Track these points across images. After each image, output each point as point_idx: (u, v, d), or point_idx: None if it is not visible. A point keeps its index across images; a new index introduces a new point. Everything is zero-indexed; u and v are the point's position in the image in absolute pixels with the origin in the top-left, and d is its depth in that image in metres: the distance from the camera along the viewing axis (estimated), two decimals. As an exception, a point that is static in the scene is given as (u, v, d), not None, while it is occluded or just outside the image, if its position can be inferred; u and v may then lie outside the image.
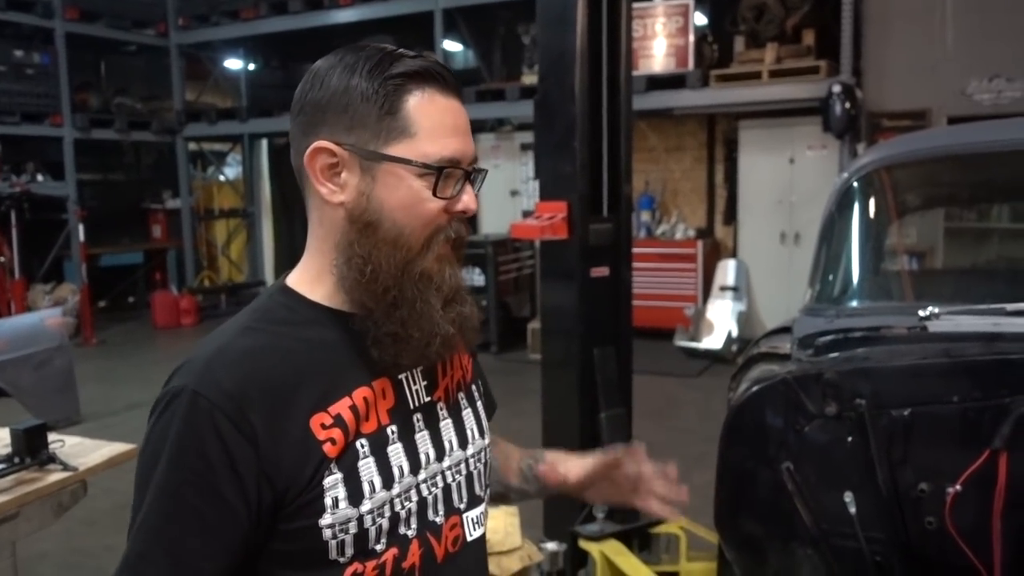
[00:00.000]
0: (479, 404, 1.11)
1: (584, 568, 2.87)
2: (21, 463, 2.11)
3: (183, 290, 10.16)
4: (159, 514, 0.86)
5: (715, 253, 8.28)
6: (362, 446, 0.92)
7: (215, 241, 11.52)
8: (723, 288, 7.72)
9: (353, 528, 0.90)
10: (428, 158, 0.91)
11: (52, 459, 2.16)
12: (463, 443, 1.04)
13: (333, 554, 0.90)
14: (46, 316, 5.77)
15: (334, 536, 0.89)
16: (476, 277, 7.84)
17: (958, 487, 1.54)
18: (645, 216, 8.39)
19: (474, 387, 1.12)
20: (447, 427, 1.03)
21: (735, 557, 1.91)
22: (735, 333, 7.22)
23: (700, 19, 7.77)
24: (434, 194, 0.91)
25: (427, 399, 1.01)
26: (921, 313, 1.83)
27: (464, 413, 1.07)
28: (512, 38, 8.86)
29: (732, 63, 7.31)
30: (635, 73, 7.03)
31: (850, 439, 1.65)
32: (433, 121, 0.92)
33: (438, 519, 0.99)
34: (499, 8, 8.40)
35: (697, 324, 7.43)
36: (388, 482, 0.93)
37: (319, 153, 0.92)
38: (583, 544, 2.83)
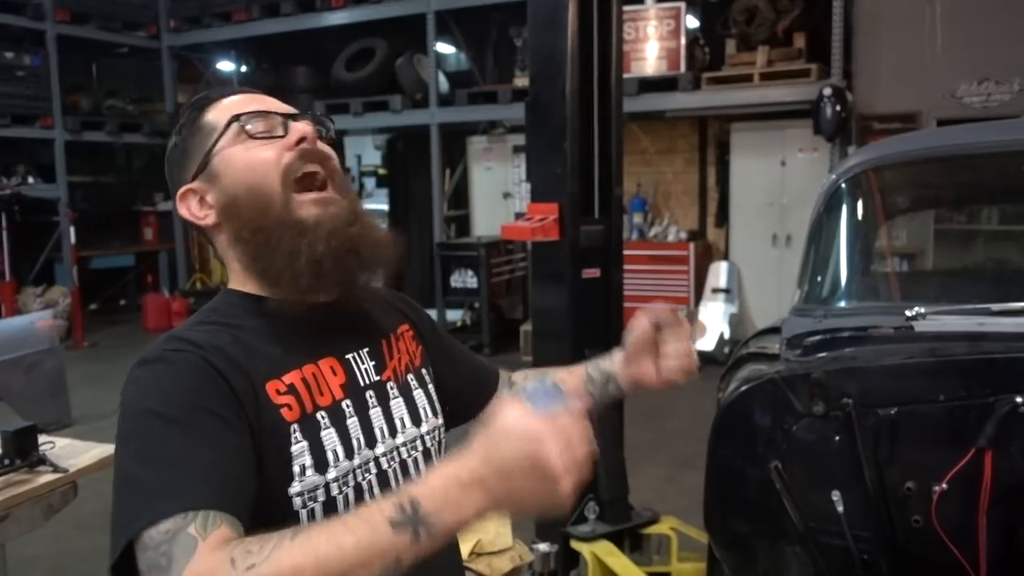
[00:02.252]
0: (430, 387, 1.14)
1: (576, 569, 2.88)
2: (11, 465, 2.10)
3: (175, 292, 10.12)
4: (160, 442, 0.83)
5: (707, 255, 8.30)
6: (323, 417, 0.95)
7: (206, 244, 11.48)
8: (715, 290, 7.74)
9: (321, 496, 0.92)
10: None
11: (42, 461, 2.16)
12: (416, 421, 1.08)
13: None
14: (36, 319, 5.75)
15: (304, 504, 0.91)
16: (468, 279, 7.85)
17: (944, 485, 1.56)
18: (637, 218, 8.40)
19: (424, 371, 1.15)
20: (398, 405, 1.06)
21: (724, 556, 1.92)
22: (727, 335, 7.24)
23: (692, 22, 7.80)
24: (251, 137, 0.99)
25: (376, 378, 1.05)
26: (908, 313, 1.85)
27: (415, 393, 1.10)
28: (505, 41, 8.88)
29: (723, 66, 7.34)
30: (627, 75, 7.06)
31: (837, 438, 1.66)
32: (228, 110, 1.02)
33: None
34: (492, 10, 8.41)
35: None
36: (350, 453, 0.96)
37: (185, 197, 1.03)
38: (575, 545, 2.84)
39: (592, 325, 3.01)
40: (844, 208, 2.28)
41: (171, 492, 0.78)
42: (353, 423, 0.98)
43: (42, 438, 2.21)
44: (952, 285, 2.90)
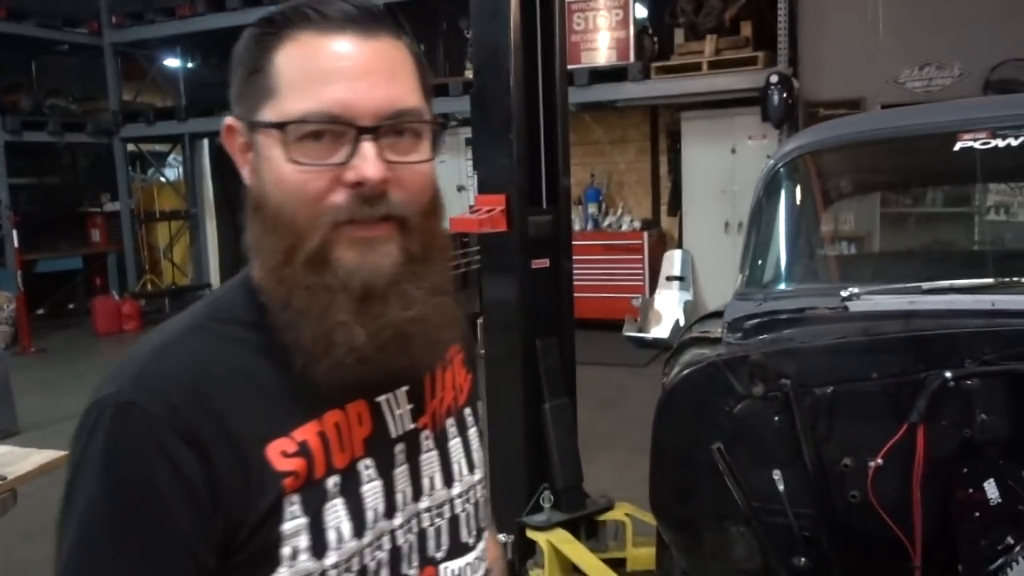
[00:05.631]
0: (471, 432, 0.94)
1: (532, 558, 2.90)
2: (-54, 475, 2.05)
3: (125, 295, 9.94)
4: (96, 559, 0.68)
5: (661, 244, 8.38)
6: (335, 484, 0.76)
7: (157, 244, 11.28)
8: (669, 278, 7.83)
9: None
10: (286, 116, 0.73)
11: (-21, 469, 2.11)
12: (448, 480, 0.88)
13: None
14: (-21, 325, 5.60)
15: None
16: (425, 273, 7.82)
17: (879, 460, 1.59)
18: (592, 208, 8.45)
19: (467, 411, 0.94)
20: (430, 460, 0.86)
21: (672, 539, 1.94)
22: (683, 322, 7.32)
23: (640, 11, 7.85)
24: (289, 159, 0.73)
25: (411, 426, 0.84)
26: (843, 294, 1.89)
27: (451, 444, 0.90)
28: (454, 32, 8.85)
29: (672, 55, 7.41)
30: (577, 66, 7.12)
31: (777, 418, 1.69)
32: (301, 70, 0.74)
33: (411, 571, 0.83)
34: (441, 2, 8.37)
35: (645, 314, 7.51)
36: (359, 529, 0.77)
37: (228, 132, 0.80)
38: (531, 534, 2.86)
39: (543, 315, 3.02)
40: (783, 192, 2.32)
41: None
42: (371, 489, 0.79)
43: (-21, 446, 2.15)
44: (887, 266, 2.97)
